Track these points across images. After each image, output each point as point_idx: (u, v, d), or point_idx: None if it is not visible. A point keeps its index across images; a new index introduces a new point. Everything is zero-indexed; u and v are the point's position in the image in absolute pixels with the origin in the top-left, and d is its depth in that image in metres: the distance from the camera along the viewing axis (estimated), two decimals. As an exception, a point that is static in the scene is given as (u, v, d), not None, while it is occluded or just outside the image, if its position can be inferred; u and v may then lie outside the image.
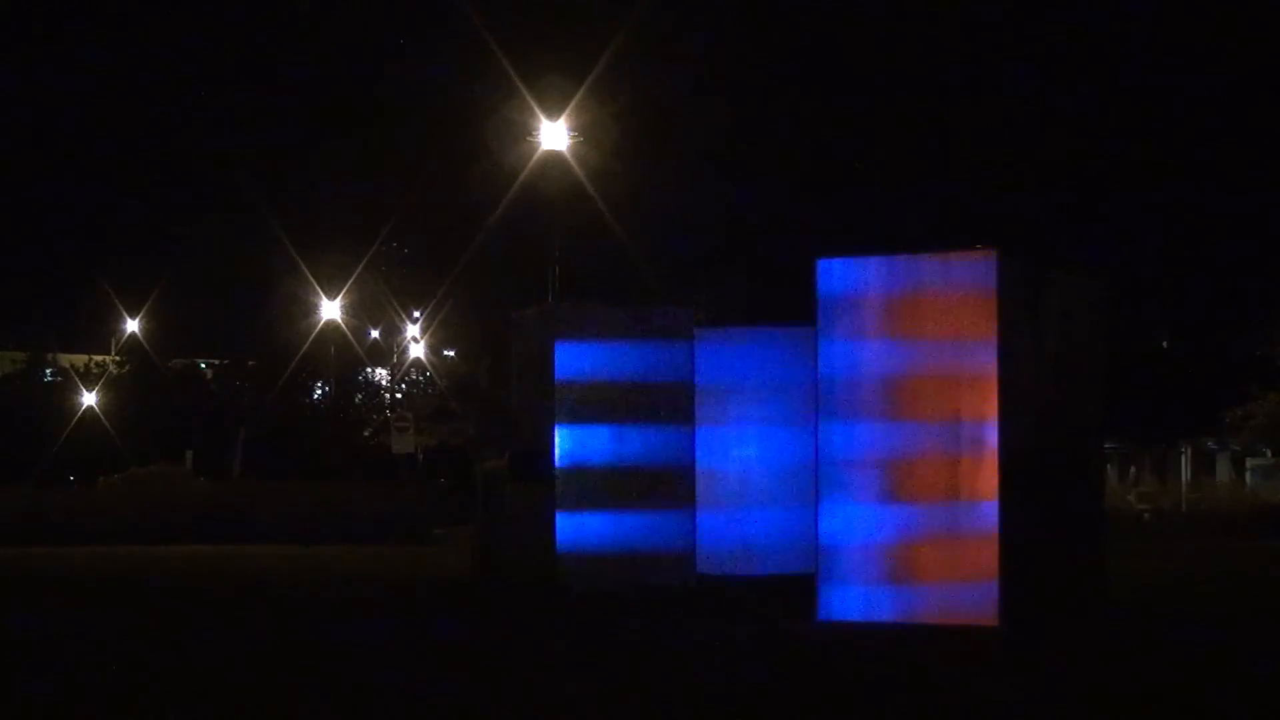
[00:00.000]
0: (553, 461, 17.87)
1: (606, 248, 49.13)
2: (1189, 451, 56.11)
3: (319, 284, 60.69)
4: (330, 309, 61.77)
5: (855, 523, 14.67)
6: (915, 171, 57.74)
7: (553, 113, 43.40)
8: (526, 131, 43.91)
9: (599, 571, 17.77)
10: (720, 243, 56.27)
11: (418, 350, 64.85)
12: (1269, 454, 52.72)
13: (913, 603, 14.57)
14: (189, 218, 63.66)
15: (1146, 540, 31.98)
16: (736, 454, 18.93)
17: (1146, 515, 38.13)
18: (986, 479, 14.30)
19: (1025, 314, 14.83)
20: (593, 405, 17.97)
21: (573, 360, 17.97)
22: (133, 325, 67.77)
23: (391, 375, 67.37)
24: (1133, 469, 53.29)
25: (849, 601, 14.64)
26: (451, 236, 58.30)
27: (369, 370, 67.53)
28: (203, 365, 68.86)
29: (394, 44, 71.01)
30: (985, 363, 14.37)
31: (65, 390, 66.51)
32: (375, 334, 66.61)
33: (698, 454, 18.29)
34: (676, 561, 18.03)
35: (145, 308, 66.49)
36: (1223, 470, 55.21)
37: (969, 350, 14.49)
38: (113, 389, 65.08)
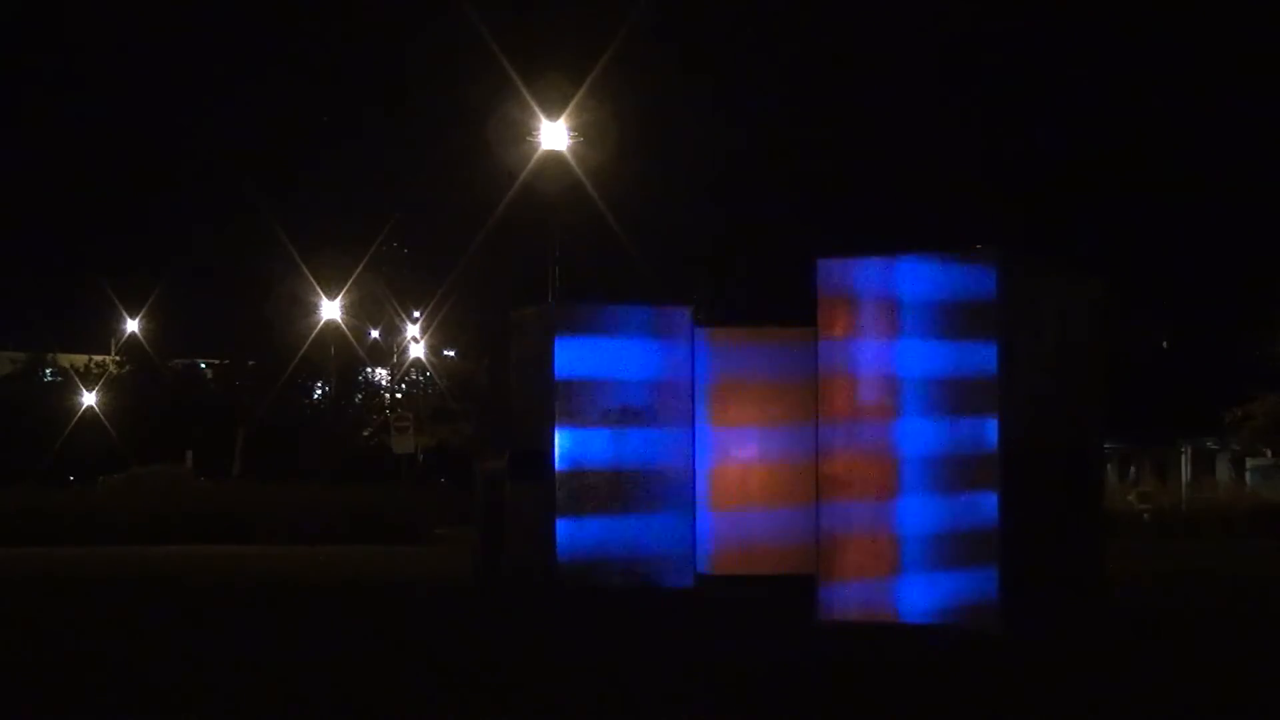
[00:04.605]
0: (553, 462, 17.86)
1: (606, 248, 49.15)
2: (1189, 451, 56.12)
3: (319, 284, 60.72)
4: (330, 309, 61.81)
5: (856, 523, 14.68)
6: (915, 171, 57.73)
7: (553, 113, 43.44)
8: (526, 131, 43.95)
9: (599, 571, 17.77)
10: (720, 242, 56.27)
11: (418, 350, 64.88)
12: (1269, 454, 52.76)
13: (912, 602, 14.58)
14: (189, 218, 63.70)
15: (1146, 540, 32.00)
16: (736, 454, 18.91)
17: (1146, 515, 38.15)
18: (986, 480, 14.31)
19: (1025, 313, 14.84)
20: (593, 406, 17.97)
21: (573, 358, 17.96)
22: (133, 325, 67.82)
23: (391, 375, 67.40)
24: (1133, 469, 53.32)
25: (849, 601, 14.65)
26: (451, 236, 58.33)
27: (369, 370, 67.57)
28: (203, 365, 68.92)
29: (394, 43, 71.01)
30: (985, 362, 14.38)
31: (65, 390, 66.58)
32: (375, 334, 66.63)
33: (698, 454, 18.29)
34: (677, 561, 18.03)
35: (145, 308, 66.55)
36: (1223, 470, 55.24)
37: (969, 350, 14.51)
38: (113, 389, 65.15)
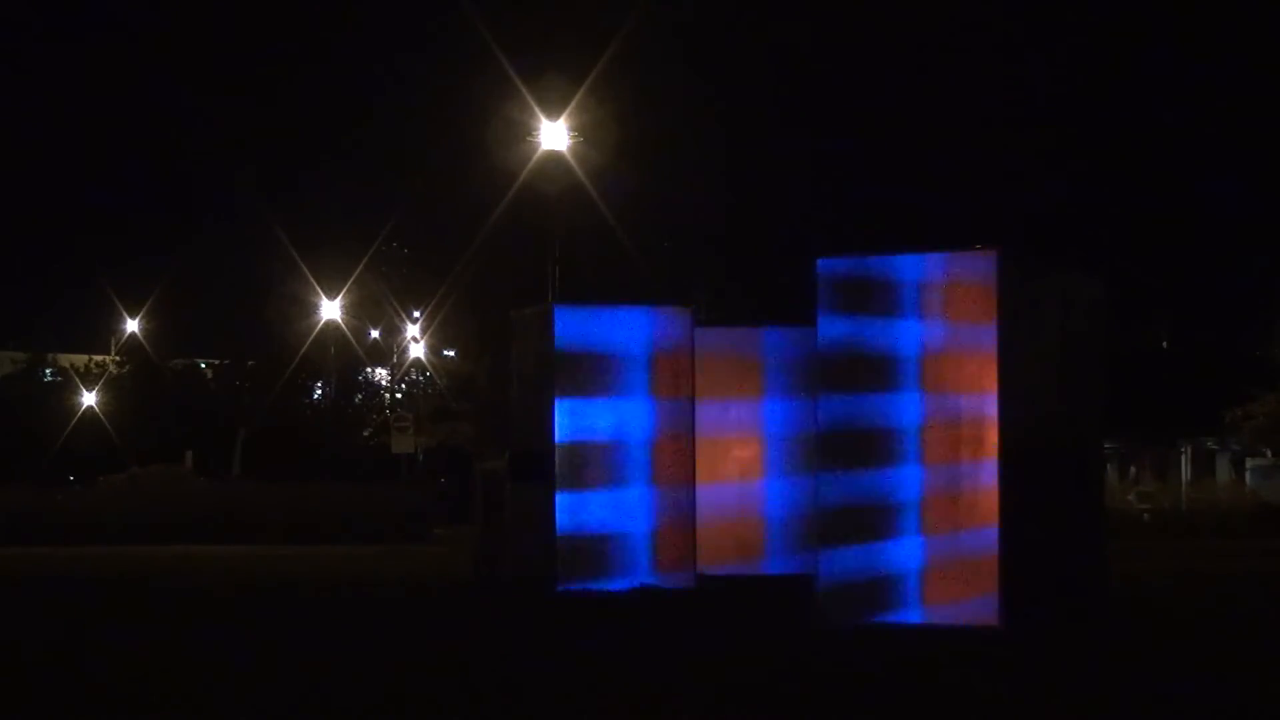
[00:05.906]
0: (552, 462, 17.83)
1: (606, 248, 49.11)
2: (1189, 451, 56.07)
3: (319, 284, 60.74)
4: (330, 309, 61.82)
5: (855, 523, 14.66)
6: (916, 170, 57.77)
7: (553, 113, 43.42)
8: (526, 131, 43.93)
9: (598, 572, 17.75)
10: (720, 242, 56.24)
11: (418, 350, 64.87)
12: (1269, 454, 52.71)
13: (912, 603, 14.57)
14: (189, 218, 63.77)
15: (1146, 540, 31.98)
16: (737, 456, 18.90)
17: (1146, 515, 38.12)
18: (986, 480, 14.30)
19: (1025, 313, 14.81)
20: (594, 412, 17.96)
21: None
22: (133, 325, 67.82)
23: (391, 375, 67.41)
24: (1133, 469, 53.29)
25: (848, 602, 14.63)
26: (451, 236, 58.34)
27: (369, 370, 67.60)
28: (203, 365, 68.91)
29: (394, 44, 71.07)
30: (985, 362, 14.37)
31: (65, 390, 66.56)
32: (375, 334, 66.65)
33: (698, 457, 18.27)
34: (676, 562, 18.02)
35: (145, 308, 66.56)
36: (1223, 470, 55.20)
37: (969, 350, 14.50)
38: (113, 389, 65.13)
